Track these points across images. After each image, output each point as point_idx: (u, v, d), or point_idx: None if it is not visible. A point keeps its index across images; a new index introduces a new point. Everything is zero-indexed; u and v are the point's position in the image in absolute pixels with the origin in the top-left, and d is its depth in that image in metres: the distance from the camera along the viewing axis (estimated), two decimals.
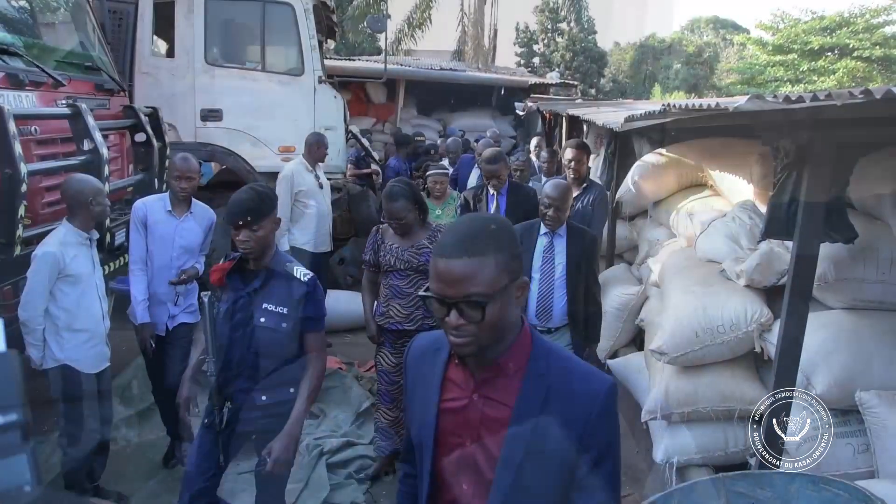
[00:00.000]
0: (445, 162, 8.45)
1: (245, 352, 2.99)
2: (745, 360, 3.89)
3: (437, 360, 1.65)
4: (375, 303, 4.41)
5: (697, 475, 3.73)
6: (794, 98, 2.08)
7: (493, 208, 5.22)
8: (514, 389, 1.54)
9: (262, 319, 2.95)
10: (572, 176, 5.34)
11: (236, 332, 2.99)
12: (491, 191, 5.33)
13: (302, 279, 2.98)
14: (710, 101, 2.90)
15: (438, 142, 11.51)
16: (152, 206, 4.32)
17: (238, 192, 2.95)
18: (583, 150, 5.40)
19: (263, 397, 3.03)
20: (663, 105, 3.44)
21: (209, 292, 3.04)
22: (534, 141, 9.45)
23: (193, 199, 4.46)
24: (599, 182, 5.97)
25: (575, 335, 4.09)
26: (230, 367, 3.03)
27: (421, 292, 1.57)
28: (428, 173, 5.86)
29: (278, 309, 2.95)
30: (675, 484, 3.74)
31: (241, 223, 2.86)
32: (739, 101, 2.33)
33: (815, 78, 24.02)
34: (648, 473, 4.48)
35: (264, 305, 2.95)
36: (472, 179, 7.43)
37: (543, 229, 4.05)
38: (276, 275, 2.99)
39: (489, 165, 5.20)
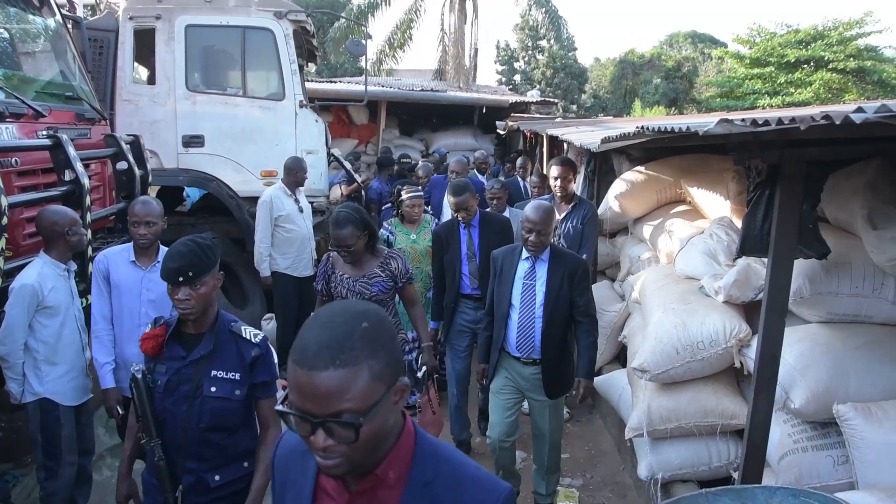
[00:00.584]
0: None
1: (193, 428, 2.60)
2: (725, 376, 3.94)
3: (307, 465, 1.43)
4: None
5: (683, 490, 3.76)
6: (760, 122, 2.13)
7: (465, 242, 4.91)
8: (394, 502, 1.35)
9: (213, 389, 2.59)
10: (559, 194, 5.26)
11: (181, 406, 2.60)
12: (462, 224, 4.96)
13: (253, 340, 2.67)
14: (681, 123, 2.96)
15: (421, 162, 11.55)
16: (114, 257, 3.89)
17: (176, 245, 2.59)
18: (569, 167, 5.27)
19: (217, 477, 2.66)
20: (637, 127, 3.50)
21: (140, 366, 2.65)
22: (519, 161, 9.42)
23: (161, 246, 3.94)
24: (584, 198, 5.90)
25: (547, 369, 3.90)
26: (177, 448, 2.64)
27: (278, 406, 1.32)
28: (402, 196, 5.64)
29: (230, 375, 2.61)
30: (660, 500, 3.77)
31: (180, 280, 2.51)
32: (709, 123, 2.38)
33: (792, 90, 24.31)
34: (634, 490, 4.51)
35: (214, 373, 2.61)
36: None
37: (525, 254, 3.88)
38: (223, 336, 2.65)
39: (455, 198, 4.82)
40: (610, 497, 4.56)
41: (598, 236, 5.61)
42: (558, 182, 5.24)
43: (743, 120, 2.25)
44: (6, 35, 5.16)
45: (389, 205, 6.62)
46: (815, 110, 1.92)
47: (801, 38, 24.87)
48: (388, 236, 5.57)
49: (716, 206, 4.77)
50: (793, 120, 1.97)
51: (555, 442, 4.15)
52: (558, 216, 5.16)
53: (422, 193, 5.80)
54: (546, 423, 4.05)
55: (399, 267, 4.11)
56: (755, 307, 3.69)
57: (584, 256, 5.00)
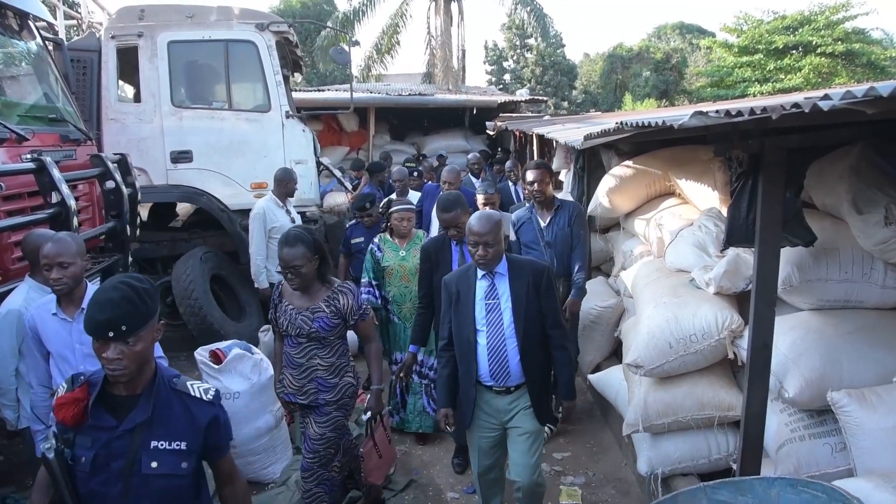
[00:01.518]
0: (414, 198, 7.34)
1: None
2: (720, 368, 3.92)
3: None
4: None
5: (684, 484, 3.75)
6: (734, 112, 2.12)
7: (457, 259, 4.44)
8: None
9: (154, 464, 2.13)
10: (538, 199, 5.18)
11: (114, 487, 2.12)
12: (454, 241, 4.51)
13: (205, 397, 2.24)
14: (658, 116, 2.95)
15: (423, 165, 11.46)
16: (38, 313, 3.38)
17: (104, 289, 2.09)
18: (544, 170, 5.25)
19: None
20: (617, 122, 3.50)
21: (51, 442, 2.13)
22: (508, 163, 9.35)
23: (88, 285, 3.46)
24: (571, 198, 5.86)
25: (536, 395, 3.49)
26: None
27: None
28: (391, 209, 5.26)
29: (175, 445, 2.15)
30: (661, 494, 3.76)
31: (109, 335, 2.01)
32: (684, 116, 2.37)
33: (782, 76, 24.34)
34: (637, 486, 4.49)
35: (154, 444, 2.13)
36: None
37: (481, 272, 3.43)
38: (165, 397, 2.19)
39: (444, 214, 4.38)
40: (613, 494, 4.54)
41: (589, 234, 5.41)
42: (535, 186, 5.15)
43: (717, 111, 2.24)
44: None
45: (355, 221, 6.54)
46: (799, 97, 1.91)
47: (788, 24, 24.91)
48: (375, 252, 5.23)
49: (704, 197, 4.76)
50: (764, 110, 1.96)
51: (532, 489, 3.60)
52: (542, 223, 5.18)
53: (412, 206, 5.42)
54: (524, 458, 3.53)
55: (349, 304, 3.66)
56: (746, 297, 3.68)
57: (578, 259, 5.04)
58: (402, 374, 4.67)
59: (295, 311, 3.64)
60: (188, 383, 2.25)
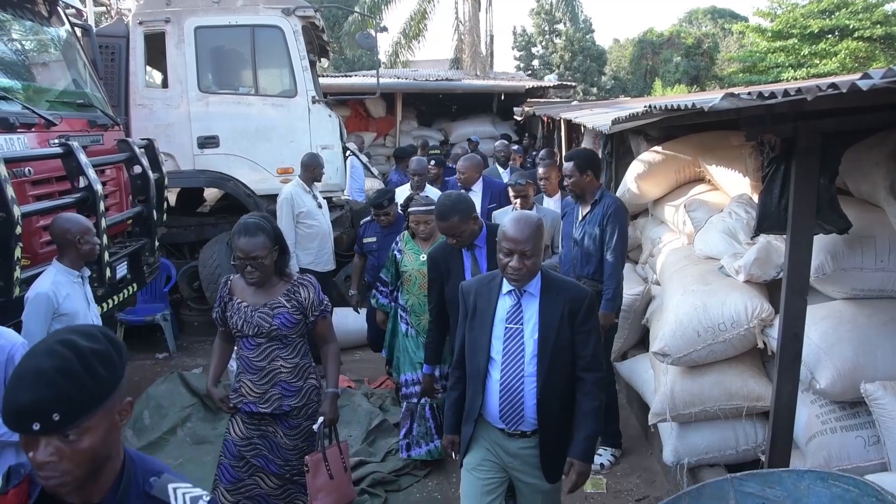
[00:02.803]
0: (434, 194, 6.25)
1: None
2: (749, 357, 3.84)
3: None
4: (234, 371, 3.57)
5: (710, 475, 3.69)
6: (767, 94, 2.05)
7: (469, 267, 3.91)
8: None
9: None
10: (575, 193, 4.66)
11: None
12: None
13: None
14: (688, 100, 2.88)
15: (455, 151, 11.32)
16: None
17: (33, 354, 1.41)
18: (573, 163, 4.65)
19: None
20: (646, 106, 3.42)
21: None
22: (543, 152, 8.86)
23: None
24: (609, 193, 4.90)
25: (548, 449, 2.85)
26: None
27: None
28: (409, 209, 4.65)
29: None
30: (687, 484, 3.70)
31: (36, 427, 1.33)
32: (715, 99, 2.30)
33: (816, 61, 23.85)
34: (662, 475, 4.44)
35: None
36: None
37: (507, 286, 2.80)
38: None
39: (440, 222, 3.81)
40: (637, 483, 4.50)
41: (625, 236, 4.58)
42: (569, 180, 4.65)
43: (749, 93, 2.17)
44: (18, 47, 5.19)
45: (370, 218, 5.88)
46: (831, 80, 1.84)
47: (824, 8, 24.36)
48: (395, 254, 4.71)
49: (735, 183, 4.66)
50: (799, 91, 1.89)
51: None
52: (579, 216, 4.69)
53: (431, 208, 4.47)
54: None
55: (310, 297, 3.37)
56: (777, 286, 3.60)
57: (607, 267, 4.44)
58: (425, 395, 4.27)
59: (250, 307, 3.29)
60: (170, 487, 1.55)
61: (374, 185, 9.95)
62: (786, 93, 1.96)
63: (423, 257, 4.44)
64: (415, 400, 4.60)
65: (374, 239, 5.70)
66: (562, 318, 2.73)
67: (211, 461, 4.89)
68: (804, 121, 2.58)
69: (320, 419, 3.44)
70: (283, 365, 3.36)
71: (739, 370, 3.77)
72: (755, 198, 4.25)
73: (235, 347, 3.45)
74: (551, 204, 5.84)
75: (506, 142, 8.84)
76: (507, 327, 2.79)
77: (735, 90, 2.65)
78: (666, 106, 3.01)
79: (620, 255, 4.44)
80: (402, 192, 6.32)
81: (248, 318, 3.28)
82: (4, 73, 4.67)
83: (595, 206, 4.54)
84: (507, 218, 2.77)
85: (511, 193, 5.17)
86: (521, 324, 2.78)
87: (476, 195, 6.17)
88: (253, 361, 3.34)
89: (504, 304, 2.82)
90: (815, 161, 2.70)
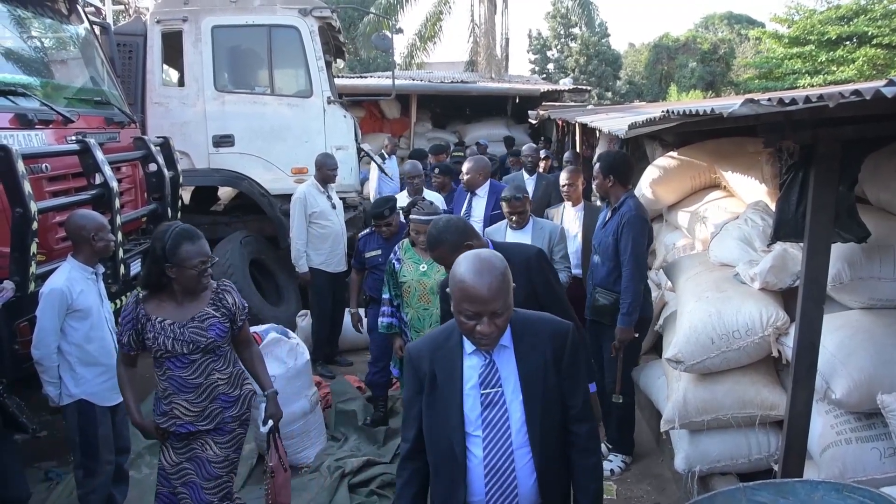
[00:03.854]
0: (437, 199, 6.22)
1: None
2: (763, 365, 3.81)
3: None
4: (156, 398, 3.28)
5: (722, 484, 3.66)
6: (787, 100, 2.04)
7: None
8: None
9: None
10: (602, 195, 4.66)
11: None
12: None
13: None
14: (706, 105, 2.85)
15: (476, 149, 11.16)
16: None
17: None
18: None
19: None
20: (663, 111, 3.40)
21: None
22: (566, 155, 8.59)
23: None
24: (632, 202, 4.51)
25: None
26: None
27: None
28: (410, 217, 4.30)
29: None
30: (698, 493, 3.68)
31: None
32: (734, 104, 2.28)
33: (834, 68, 23.63)
34: (673, 483, 4.41)
35: None
36: (479, 210, 5.98)
37: (469, 347, 2.20)
38: None
39: (431, 251, 3.29)
40: (648, 490, 4.47)
41: (641, 246, 4.32)
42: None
43: (769, 99, 2.15)
44: (37, 44, 5.23)
45: (369, 230, 5.53)
46: (852, 87, 1.82)
47: (842, 14, 24.15)
48: (394, 262, 4.41)
49: (751, 190, 4.64)
50: (821, 97, 1.87)
51: None
52: (602, 222, 4.59)
53: (434, 215, 4.08)
54: None
55: (236, 302, 3.29)
56: (793, 294, 3.56)
57: (623, 280, 4.25)
58: None
59: (176, 324, 3.09)
60: None
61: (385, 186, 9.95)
62: (807, 99, 1.94)
63: (424, 267, 4.22)
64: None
65: (377, 252, 5.29)
66: (546, 366, 2.21)
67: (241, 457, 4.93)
68: (824, 128, 2.56)
69: (270, 421, 3.40)
70: (219, 378, 3.21)
71: (753, 378, 3.74)
72: (771, 205, 4.22)
73: (159, 369, 3.17)
74: (573, 214, 5.53)
75: (534, 146, 8.00)
76: (482, 394, 2.19)
77: (754, 96, 2.63)
78: (684, 111, 2.99)
79: (636, 267, 4.25)
80: (403, 198, 6.16)
81: (179, 335, 3.08)
82: (24, 69, 4.71)
83: (615, 213, 4.41)
84: (460, 268, 2.06)
85: (505, 209, 4.69)
86: (500, 386, 2.20)
87: (481, 199, 6.03)
88: (188, 380, 3.14)
89: (472, 367, 2.21)
90: (834, 168, 2.68)
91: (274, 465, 3.46)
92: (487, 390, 2.19)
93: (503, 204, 4.71)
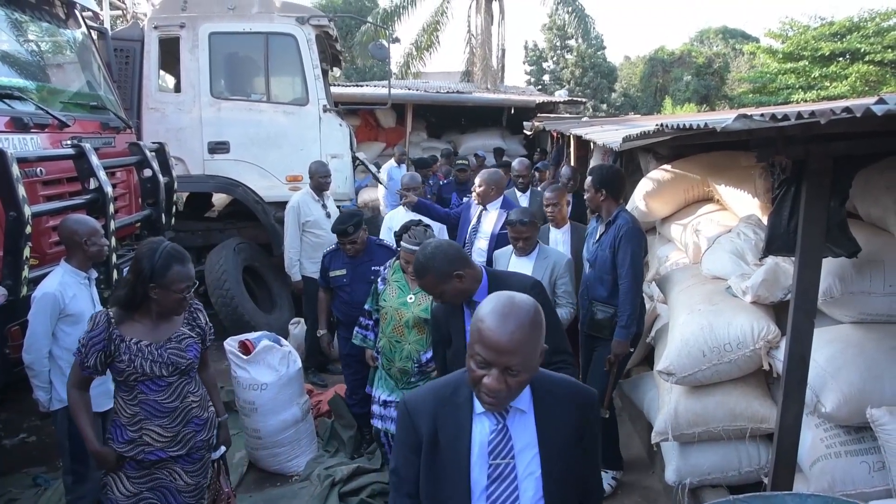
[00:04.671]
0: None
1: None
2: (754, 378, 3.83)
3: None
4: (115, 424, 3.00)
5: (713, 496, 3.67)
6: (780, 116, 2.06)
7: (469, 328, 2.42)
8: None
9: None
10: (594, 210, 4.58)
11: None
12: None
13: None
14: (700, 119, 2.88)
15: (473, 160, 11.03)
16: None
17: None
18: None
19: None
20: (657, 125, 3.42)
21: None
22: (564, 170, 7.75)
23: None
24: (626, 215, 4.44)
25: None
26: None
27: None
28: (401, 244, 4.02)
29: None
30: None
31: None
32: (727, 119, 2.30)
33: (827, 84, 23.82)
34: (664, 495, 4.41)
35: None
36: (488, 225, 5.50)
37: (479, 407, 1.86)
38: None
39: (418, 280, 3.05)
40: (639, 502, 4.47)
41: (638, 259, 4.31)
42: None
43: (762, 114, 2.17)
44: (34, 48, 5.23)
45: (335, 246, 5.09)
46: (844, 104, 1.83)
47: (835, 31, 24.37)
48: (378, 283, 4.19)
49: (744, 204, 4.66)
50: (812, 114, 1.89)
51: None
52: (596, 236, 4.49)
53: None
54: None
55: (206, 321, 3.21)
56: (784, 307, 3.59)
57: (621, 294, 4.20)
58: None
59: (153, 345, 2.93)
60: None
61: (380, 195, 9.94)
62: (799, 115, 1.96)
63: (411, 298, 3.93)
64: (375, 422, 4.17)
65: (342, 272, 4.96)
66: (569, 440, 1.90)
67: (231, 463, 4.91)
68: (815, 143, 2.58)
69: (223, 448, 3.34)
70: (192, 400, 3.08)
71: (744, 391, 3.75)
72: (764, 219, 4.24)
73: (128, 393, 2.95)
74: (558, 237, 5.23)
75: (526, 161, 7.01)
76: (490, 465, 1.87)
77: (747, 111, 2.65)
78: (678, 125, 3.01)
79: (634, 279, 4.21)
80: (397, 217, 5.89)
81: (157, 357, 2.92)
82: (20, 73, 4.71)
83: (609, 226, 4.34)
84: (486, 306, 1.74)
85: (509, 233, 4.41)
86: (513, 458, 1.87)
87: (490, 215, 5.54)
88: (164, 404, 2.96)
89: (481, 430, 1.88)
90: (825, 184, 2.70)
91: (229, 491, 3.41)
92: (497, 461, 1.86)
93: (508, 228, 4.43)
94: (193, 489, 3.12)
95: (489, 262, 5.19)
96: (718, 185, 5.04)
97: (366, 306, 4.38)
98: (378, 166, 10.30)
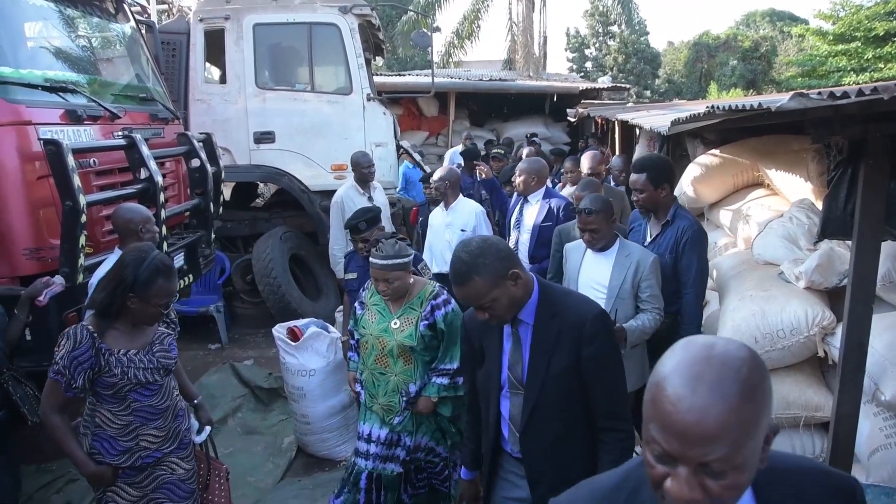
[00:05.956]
0: (471, 212, 5.45)
1: None
2: (808, 366, 3.74)
3: None
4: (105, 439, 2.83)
5: None
6: (838, 94, 2.00)
7: (508, 350, 2.39)
8: None
9: None
10: (641, 207, 3.97)
11: None
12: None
13: None
14: (753, 100, 2.81)
15: (525, 152, 10.61)
16: None
17: None
18: (647, 173, 3.88)
19: None
20: (708, 107, 3.35)
21: None
22: (614, 161, 7.27)
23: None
24: (685, 212, 4.03)
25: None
26: None
27: None
28: (370, 260, 3.40)
29: None
30: None
31: None
32: (782, 99, 2.25)
33: (881, 65, 23.08)
34: None
35: None
36: (530, 218, 5.22)
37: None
38: None
39: (457, 290, 2.29)
40: None
41: (706, 268, 3.93)
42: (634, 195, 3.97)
43: (819, 93, 2.11)
44: (86, 43, 5.34)
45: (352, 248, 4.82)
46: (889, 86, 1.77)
47: (890, 10, 23.57)
48: (355, 307, 3.71)
49: (796, 188, 4.56)
50: (875, 90, 1.83)
51: None
52: (649, 236, 4.02)
53: (394, 262, 3.31)
54: None
55: (175, 315, 3.21)
56: (839, 293, 3.50)
57: (685, 303, 3.79)
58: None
59: (141, 352, 2.84)
60: None
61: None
62: (860, 92, 1.90)
63: (396, 324, 3.41)
64: (358, 460, 3.59)
65: (353, 275, 4.62)
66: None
67: (261, 451, 4.99)
68: (874, 123, 2.51)
69: (208, 428, 3.27)
70: (176, 394, 3.07)
71: (797, 379, 3.67)
72: (817, 203, 4.15)
73: (119, 404, 2.81)
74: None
75: (597, 153, 6.14)
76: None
77: (803, 91, 2.58)
78: (730, 107, 2.95)
79: (702, 291, 3.85)
80: (437, 217, 5.51)
81: (147, 363, 2.84)
82: (73, 67, 4.81)
83: (666, 227, 3.87)
84: (669, 361, 1.11)
85: (577, 224, 3.75)
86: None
87: (532, 207, 5.27)
88: (157, 407, 2.89)
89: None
90: (885, 165, 2.62)
91: (227, 468, 3.37)
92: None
93: (578, 219, 3.75)
94: (191, 473, 3.10)
95: (532, 259, 5.12)
96: (769, 170, 4.93)
97: (350, 326, 3.88)
98: (421, 154, 10.27)
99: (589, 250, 3.69)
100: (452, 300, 3.45)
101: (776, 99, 2.45)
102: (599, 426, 2.27)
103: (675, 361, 1.09)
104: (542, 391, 2.28)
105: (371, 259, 3.36)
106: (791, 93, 2.35)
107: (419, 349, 3.40)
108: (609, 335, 2.29)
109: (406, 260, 3.36)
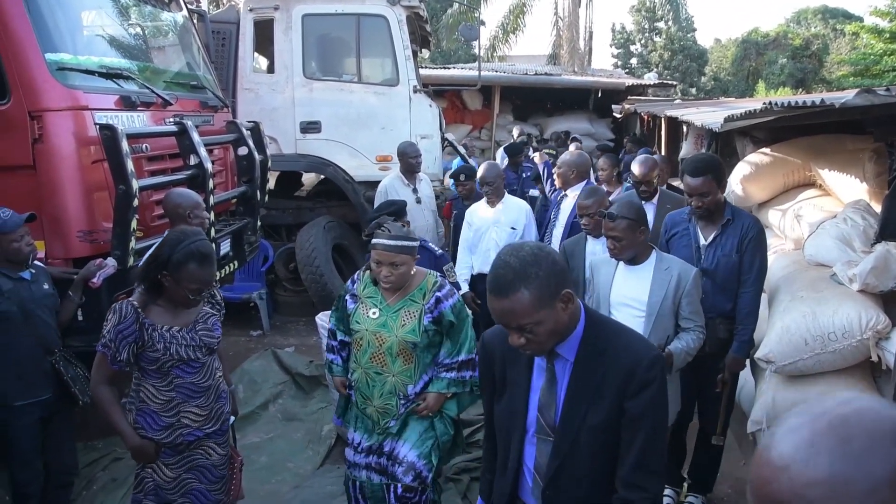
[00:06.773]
0: (518, 210, 5.36)
1: None
2: (860, 370, 3.66)
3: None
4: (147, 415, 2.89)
5: None
6: None
7: (538, 389, 2.06)
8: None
9: None
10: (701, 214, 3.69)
11: None
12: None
13: None
14: (814, 97, 2.75)
15: (572, 147, 10.43)
16: None
17: None
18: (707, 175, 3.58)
19: None
20: (764, 103, 3.29)
21: None
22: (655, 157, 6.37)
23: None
24: (740, 210, 3.89)
25: None
26: None
27: None
28: (373, 240, 3.18)
29: None
30: None
31: None
32: (847, 96, 2.19)
33: None
34: None
35: None
36: (565, 213, 5.11)
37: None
38: None
39: (494, 302, 1.83)
40: (729, 493, 4.36)
41: (766, 266, 3.76)
42: (696, 199, 3.64)
43: (887, 89, 2.05)
44: (139, 31, 5.44)
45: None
46: None
47: None
48: (346, 300, 3.43)
49: (850, 189, 4.45)
50: None
51: None
52: (702, 239, 3.73)
53: (404, 244, 3.09)
54: None
55: (220, 294, 3.20)
56: (894, 297, 3.42)
57: (748, 302, 3.62)
58: None
59: (185, 329, 2.90)
60: None
61: None
62: None
63: (391, 318, 3.18)
64: (355, 472, 3.43)
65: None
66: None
67: (301, 438, 5.04)
68: None
69: (232, 418, 3.25)
70: (220, 375, 3.10)
71: (848, 383, 3.60)
72: (874, 204, 4.05)
73: (162, 380, 2.88)
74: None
75: (651, 159, 5.05)
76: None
77: (869, 88, 2.52)
78: (787, 103, 2.89)
79: (761, 290, 3.73)
80: (478, 213, 5.41)
81: (190, 340, 2.89)
82: (127, 54, 4.90)
83: (726, 227, 3.66)
84: (786, 431, 0.83)
85: (604, 230, 3.41)
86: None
87: (569, 202, 5.10)
88: (199, 385, 2.94)
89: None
90: None
91: (241, 459, 3.35)
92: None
93: (604, 225, 3.45)
94: (225, 459, 3.13)
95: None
96: (822, 170, 4.83)
97: (331, 324, 3.63)
98: (466, 147, 10.24)
99: (621, 264, 3.38)
100: (456, 291, 3.35)
101: (839, 96, 2.40)
102: (625, 480, 1.93)
103: (792, 426, 0.83)
104: (576, 441, 1.97)
105: (375, 240, 3.11)
106: (855, 90, 2.30)
107: (422, 346, 3.18)
108: (663, 383, 1.93)
109: (414, 244, 3.14)
